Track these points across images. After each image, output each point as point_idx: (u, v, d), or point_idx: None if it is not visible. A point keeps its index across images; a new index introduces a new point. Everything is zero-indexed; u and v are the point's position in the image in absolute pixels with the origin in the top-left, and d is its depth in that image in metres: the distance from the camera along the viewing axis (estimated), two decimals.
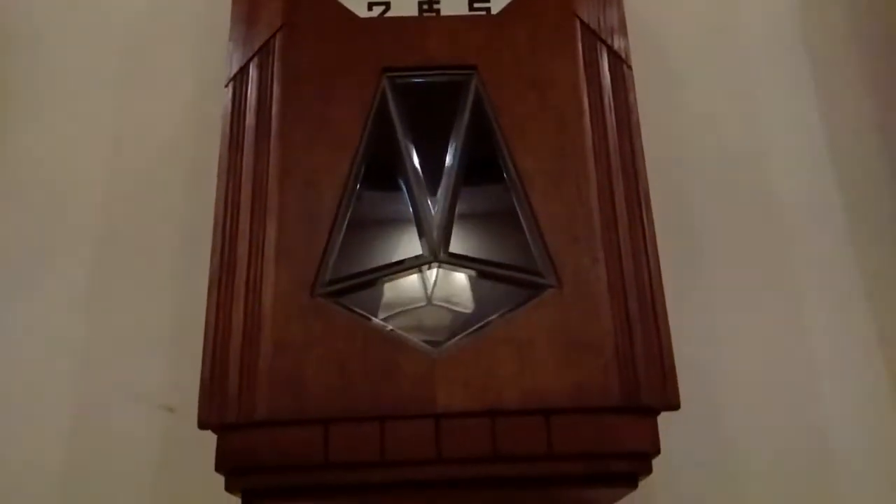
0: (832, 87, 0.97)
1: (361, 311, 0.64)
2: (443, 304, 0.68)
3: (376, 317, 0.64)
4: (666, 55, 0.96)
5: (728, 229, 0.91)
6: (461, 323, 0.65)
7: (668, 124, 0.92)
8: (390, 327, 0.63)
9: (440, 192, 0.69)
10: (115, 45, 0.98)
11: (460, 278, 0.68)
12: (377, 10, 0.78)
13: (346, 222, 0.67)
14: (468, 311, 0.67)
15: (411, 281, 0.67)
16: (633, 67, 0.76)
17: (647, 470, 0.61)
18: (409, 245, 0.67)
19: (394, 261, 0.66)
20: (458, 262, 0.66)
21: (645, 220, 0.69)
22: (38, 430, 0.82)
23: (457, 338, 0.62)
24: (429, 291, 0.67)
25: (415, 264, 0.66)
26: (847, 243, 0.90)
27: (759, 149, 0.95)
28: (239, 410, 0.60)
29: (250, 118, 0.71)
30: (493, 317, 0.64)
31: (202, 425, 0.61)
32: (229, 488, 0.61)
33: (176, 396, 0.82)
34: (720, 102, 0.97)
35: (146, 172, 0.92)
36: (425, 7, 0.79)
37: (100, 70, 0.97)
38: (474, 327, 0.63)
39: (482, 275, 0.66)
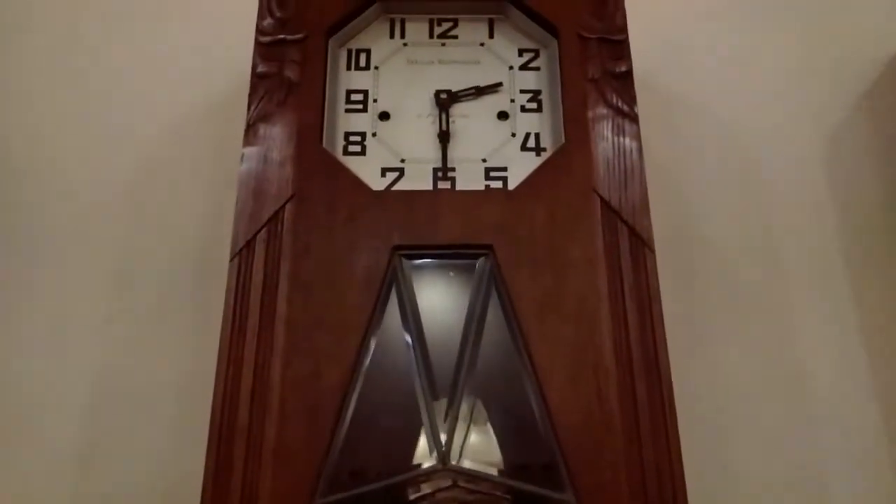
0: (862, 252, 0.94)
1: None
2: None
3: None
4: (689, 225, 0.93)
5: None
6: None
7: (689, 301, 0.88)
8: None
9: (452, 386, 0.66)
10: (120, 187, 0.95)
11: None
12: (390, 177, 0.77)
13: (348, 420, 0.64)
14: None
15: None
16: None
17: None
18: (417, 448, 0.63)
19: (401, 471, 0.62)
20: (470, 475, 0.62)
21: (669, 424, 0.64)
22: None
23: None
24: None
25: (422, 473, 0.62)
26: None
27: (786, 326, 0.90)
28: None
29: (255, 298, 0.68)
30: None
31: None
32: None
33: None
34: (745, 272, 0.93)
35: (143, 336, 0.87)
36: (440, 175, 0.77)
37: (103, 213, 0.94)
38: None
39: (496, 486, 0.62)
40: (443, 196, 0.73)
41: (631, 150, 0.75)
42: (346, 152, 0.77)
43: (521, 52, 0.82)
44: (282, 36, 0.79)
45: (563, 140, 0.75)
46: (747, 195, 0.97)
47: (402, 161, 0.77)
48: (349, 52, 0.82)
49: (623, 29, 0.80)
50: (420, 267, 0.70)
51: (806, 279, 0.92)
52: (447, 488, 0.63)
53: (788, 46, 1.05)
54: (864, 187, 0.98)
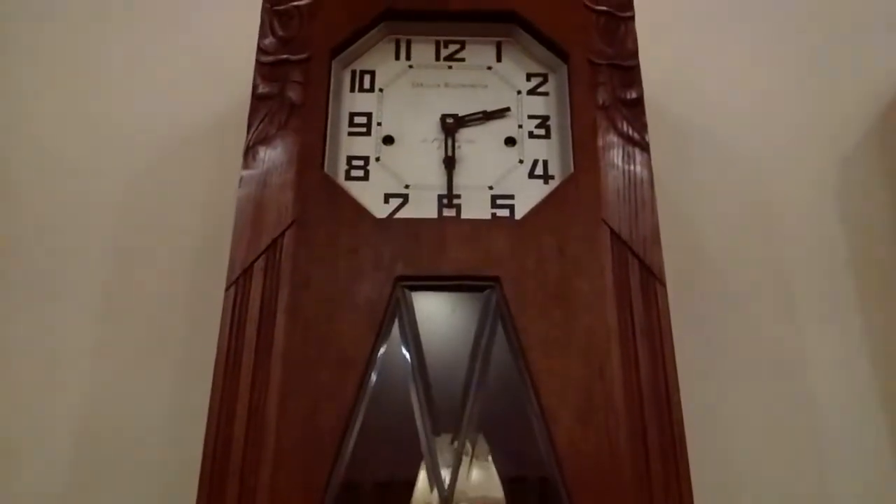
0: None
1: None
2: None
3: None
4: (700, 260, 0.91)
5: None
6: None
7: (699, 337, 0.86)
8: None
9: (456, 424, 0.63)
10: (113, 211, 0.92)
11: None
12: (394, 203, 0.74)
13: (347, 460, 0.61)
14: None
15: None
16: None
17: None
18: (419, 490, 0.61)
19: None
20: None
21: (680, 467, 0.62)
22: None
23: None
24: None
25: None
26: None
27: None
28: None
29: (250, 331, 0.65)
30: None
31: None
32: None
33: None
34: (756, 305, 0.90)
35: (132, 371, 0.84)
36: (445, 202, 0.74)
37: (95, 239, 0.90)
38: None
39: None
40: (448, 224, 0.71)
41: (642, 180, 0.73)
42: (348, 177, 0.75)
43: (529, 77, 0.80)
44: (284, 56, 0.77)
45: (571, 168, 0.73)
46: (759, 223, 0.95)
47: (406, 187, 0.75)
48: (353, 73, 0.79)
49: (634, 54, 0.78)
50: (423, 298, 0.68)
51: (818, 311, 0.90)
52: None
53: (800, 73, 1.04)
54: (877, 214, 0.96)
